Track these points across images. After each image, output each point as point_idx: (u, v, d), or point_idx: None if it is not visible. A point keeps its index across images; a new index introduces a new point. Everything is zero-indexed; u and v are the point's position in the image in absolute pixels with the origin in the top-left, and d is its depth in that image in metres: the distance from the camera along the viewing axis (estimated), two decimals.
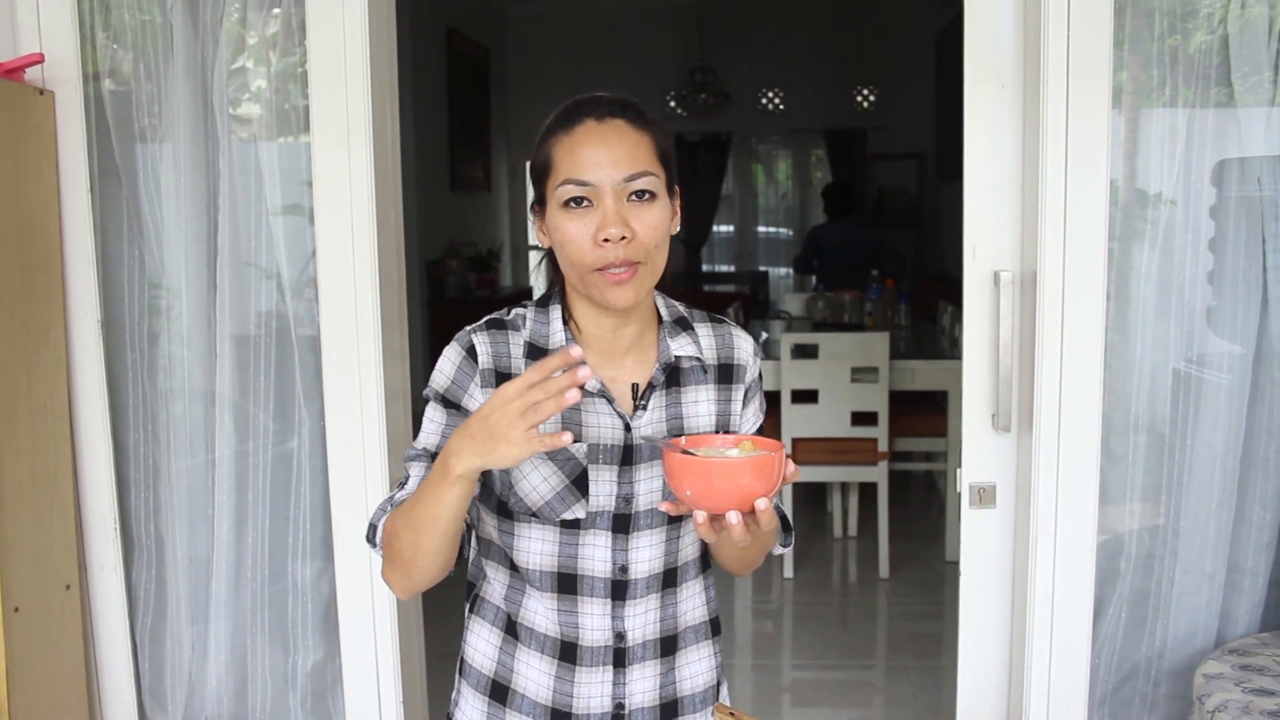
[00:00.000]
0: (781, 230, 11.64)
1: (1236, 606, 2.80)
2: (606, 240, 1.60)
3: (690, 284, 10.88)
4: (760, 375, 1.88)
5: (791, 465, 1.51)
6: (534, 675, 1.75)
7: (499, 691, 1.78)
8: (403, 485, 1.68)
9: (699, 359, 1.78)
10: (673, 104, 10.54)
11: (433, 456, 1.67)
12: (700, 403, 1.78)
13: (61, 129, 2.99)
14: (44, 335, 2.95)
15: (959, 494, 2.85)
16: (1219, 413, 2.77)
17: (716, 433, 1.77)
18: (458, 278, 8.87)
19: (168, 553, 3.18)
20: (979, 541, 2.86)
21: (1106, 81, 2.59)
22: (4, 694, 2.78)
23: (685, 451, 1.51)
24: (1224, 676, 2.36)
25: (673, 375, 1.77)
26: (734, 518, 1.45)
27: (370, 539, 1.67)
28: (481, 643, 1.81)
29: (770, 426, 1.93)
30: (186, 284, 3.11)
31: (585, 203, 1.62)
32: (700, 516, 1.47)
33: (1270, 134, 2.67)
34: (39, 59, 2.93)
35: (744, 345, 1.85)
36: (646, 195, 1.64)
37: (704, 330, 1.82)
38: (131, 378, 3.14)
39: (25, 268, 2.87)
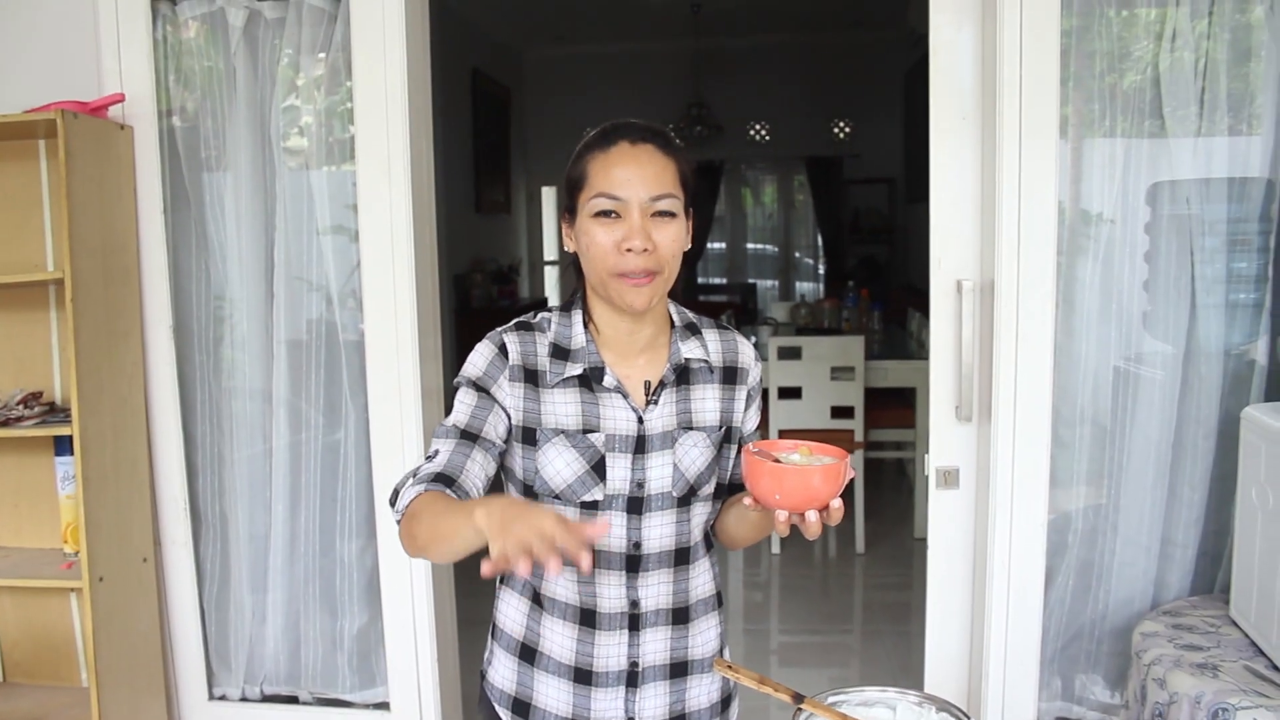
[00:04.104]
0: (768, 247, 11.62)
1: (1169, 574, 2.81)
2: (629, 250, 1.61)
3: (687, 294, 10.85)
4: (760, 380, 1.87)
5: (852, 470, 1.51)
6: (558, 639, 1.76)
7: (528, 653, 1.79)
8: (430, 459, 1.63)
9: (706, 361, 1.78)
10: (672, 134, 10.54)
11: (461, 433, 1.65)
12: (706, 400, 1.77)
13: (139, 159, 3.02)
14: (124, 340, 2.97)
15: (926, 477, 2.87)
16: (1154, 405, 2.78)
17: (720, 428, 1.77)
18: (482, 290, 8.87)
19: (231, 530, 3.21)
20: (944, 519, 2.89)
21: (1054, 114, 2.62)
22: (91, 651, 2.81)
23: (774, 459, 1.50)
24: (1159, 635, 2.38)
25: (682, 374, 1.76)
26: (813, 515, 1.45)
27: (392, 503, 1.62)
28: (511, 610, 1.82)
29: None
30: (246, 295, 3.14)
31: (614, 215, 1.63)
32: (781, 516, 1.47)
33: (1197, 160, 2.69)
34: (120, 98, 2.96)
35: (746, 351, 1.85)
36: (667, 214, 1.65)
37: (711, 336, 1.82)
38: (199, 377, 3.17)
39: (108, 281, 2.90)
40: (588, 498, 1.68)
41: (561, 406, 1.69)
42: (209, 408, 3.19)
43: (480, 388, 1.70)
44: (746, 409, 1.83)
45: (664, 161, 1.66)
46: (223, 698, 3.25)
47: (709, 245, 11.48)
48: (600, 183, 1.63)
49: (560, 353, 1.71)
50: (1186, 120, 2.67)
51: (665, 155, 1.67)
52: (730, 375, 1.80)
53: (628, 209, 1.62)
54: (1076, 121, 2.75)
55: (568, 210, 1.71)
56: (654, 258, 1.63)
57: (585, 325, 1.74)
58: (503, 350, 1.71)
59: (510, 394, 1.69)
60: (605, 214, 1.63)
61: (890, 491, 6.97)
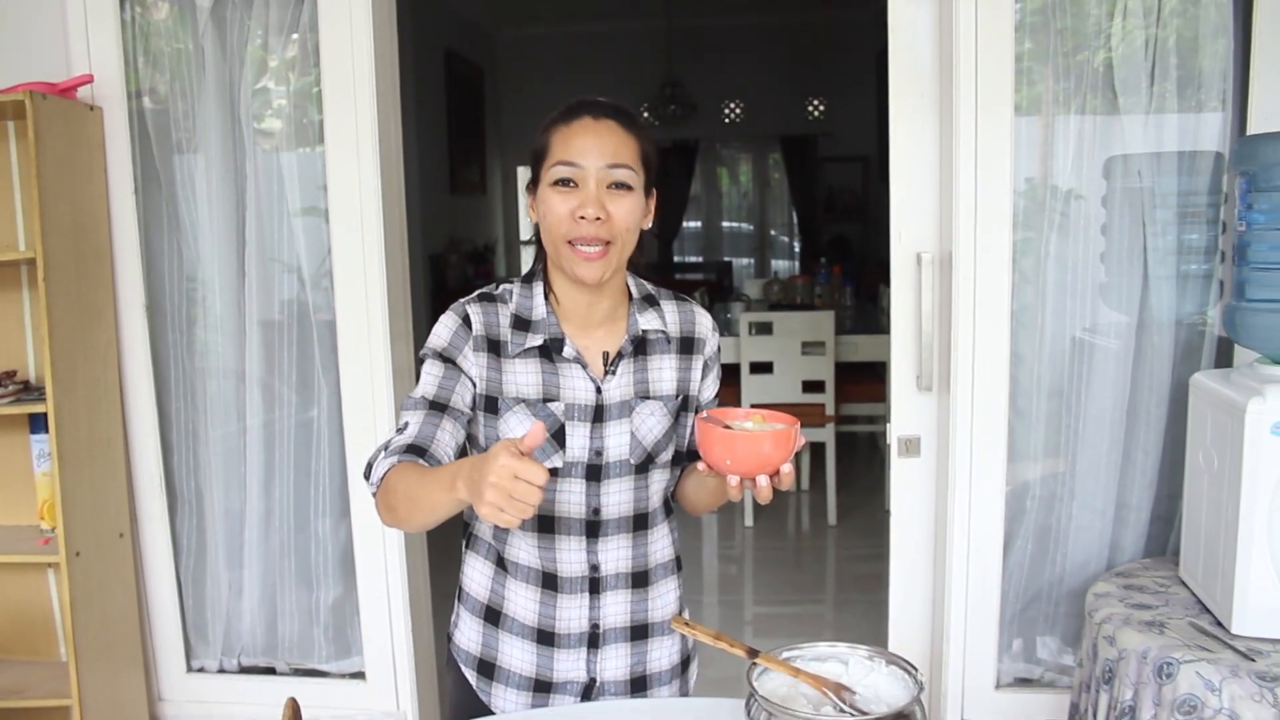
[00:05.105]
0: (743, 225, 11.65)
1: (1123, 537, 2.87)
2: (583, 218, 1.65)
3: (663, 273, 10.90)
4: (719, 349, 1.91)
5: (801, 438, 1.55)
6: (521, 602, 1.80)
7: (492, 615, 1.83)
8: (400, 431, 1.68)
9: (664, 331, 1.81)
10: (646, 114, 10.55)
11: (430, 403, 1.69)
12: (664, 370, 1.81)
13: (109, 140, 3.04)
14: (97, 319, 3.00)
15: (889, 445, 2.92)
16: (1109, 373, 2.84)
17: (677, 397, 1.81)
18: (457, 270, 8.88)
19: (206, 506, 3.25)
20: (906, 487, 2.95)
21: (1009, 91, 2.67)
22: (69, 626, 2.85)
23: (726, 426, 1.54)
24: (1110, 595, 2.44)
25: (640, 345, 1.80)
26: (763, 480, 1.49)
27: (366, 475, 1.67)
28: (476, 574, 1.86)
29: (731, 395, 1.94)
30: (219, 275, 3.16)
31: (571, 184, 1.66)
32: (733, 480, 1.51)
33: (1148, 135, 2.74)
34: (89, 79, 2.98)
35: (704, 321, 1.88)
36: (624, 187, 1.68)
37: (669, 307, 1.85)
38: (173, 355, 3.19)
39: (80, 260, 2.92)
40: (547, 465, 1.71)
41: (522, 376, 1.73)
42: (183, 386, 3.21)
43: (446, 358, 1.73)
44: (704, 378, 1.87)
45: (624, 137, 1.69)
46: (201, 670, 3.29)
47: (685, 224, 11.51)
48: (560, 152, 1.67)
49: (521, 324, 1.75)
50: (1139, 96, 2.72)
51: (626, 131, 1.70)
52: (687, 345, 1.84)
53: (585, 178, 1.66)
54: (1036, 97, 2.80)
55: (532, 183, 1.75)
56: (607, 227, 1.66)
57: (546, 297, 1.78)
58: (466, 321, 1.74)
59: (475, 363, 1.73)
60: (563, 182, 1.67)
61: (863, 464, 7.05)
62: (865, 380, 6.13)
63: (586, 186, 1.66)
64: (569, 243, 1.68)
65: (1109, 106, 2.76)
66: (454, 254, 8.91)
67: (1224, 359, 2.79)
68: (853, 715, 1.45)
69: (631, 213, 1.69)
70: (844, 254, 10.21)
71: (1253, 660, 2.04)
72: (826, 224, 11.07)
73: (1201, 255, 2.78)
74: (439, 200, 8.77)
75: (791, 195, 11.21)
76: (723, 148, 11.53)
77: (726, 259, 11.51)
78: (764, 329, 5.63)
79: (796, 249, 11.33)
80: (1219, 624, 2.22)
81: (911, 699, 1.47)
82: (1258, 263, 2.27)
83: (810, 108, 10.74)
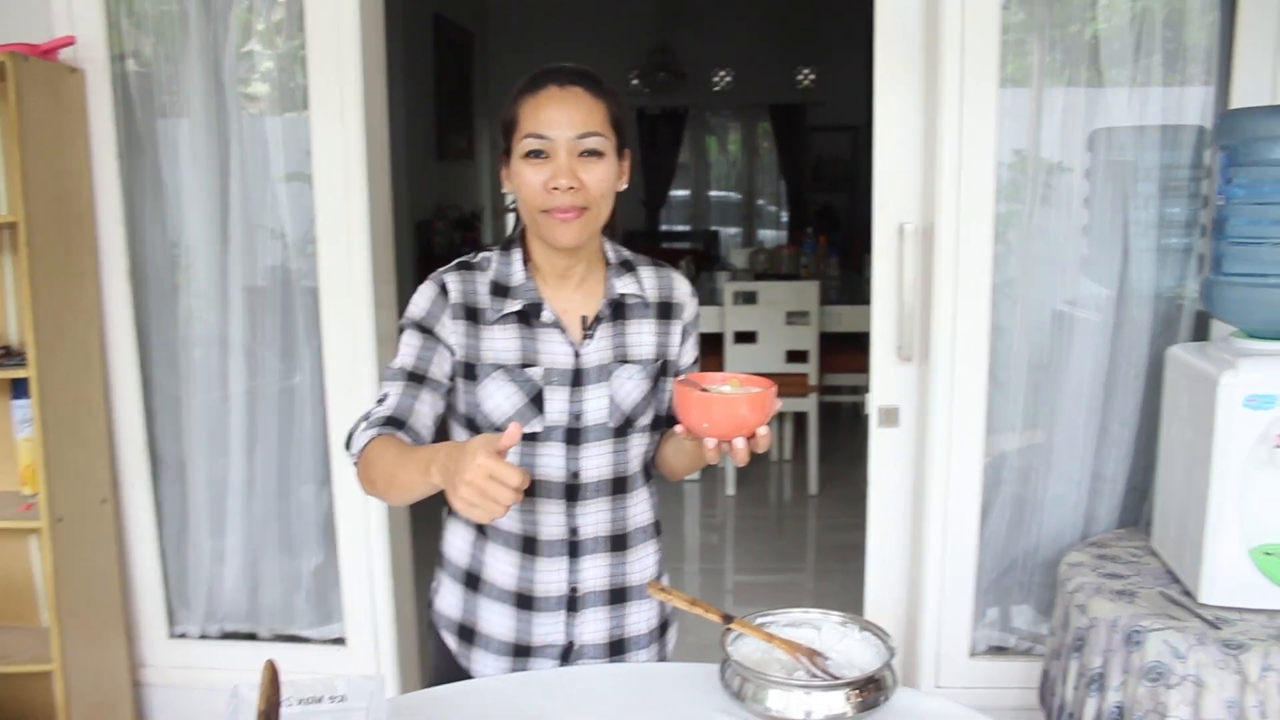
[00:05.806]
0: (731, 194, 11.64)
1: (1098, 508, 2.91)
2: (556, 189, 1.66)
3: (650, 241, 10.90)
4: (697, 315, 1.93)
5: (778, 401, 1.57)
6: (501, 566, 1.82)
7: (472, 580, 1.85)
8: (381, 402, 1.71)
9: (641, 296, 1.83)
10: (635, 81, 10.52)
11: (408, 375, 1.72)
12: (643, 334, 1.83)
13: (91, 104, 3.02)
14: (79, 283, 3.00)
15: (867, 415, 2.94)
16: (1088, 346, 2.87)
17: (656, 361, 1.83)
18: (444, 236, 8.84)
19: (189, 473, 3.25)
20: (885, 456, 2.97)
21: (994, 64, 2.68)
22: (51, 592, 2.86)
23: (703, 389, 1.56)
24: (1083, 564, 2.48)
25: (618, 310, 1.82)
26: (740, 443, 1.52)
27: (347, 446, 1.70)
28: (457, 539, 1.88)
29: (715, 364, 1.95)
30: (202, 241, 3.15)
31: (543, 155, 1.67)
32: (710, 443, 1.53)
33: (1132, 107, 2.76)
34: (70, 41, 2.96)
35: (682, 286, 1.90)
36: (595, 154, 1.69)
37: (647, 272, 1.87)
38: (156, 321, 3.19)
39: (62, 225, 2.92)
40: (527, 429, 1.74)
41: (501, 342, 1.75)
42: (166, 352, 3.21)
43: (424, 328, 1.75)
44: (683, 343, 1.89)
45: (592, 103, 1.70)
46: (183, 635, 3.31)
47: (673, 193, 11.50)
48: (529, 124, 1.68)
49: (500, 290, 1.77)
50: (1124, 69, 2.74)
51: (593, 97, 1.70)
52: (666, 310, 1.86)
53: (555, 149, 1.67)
54: (1023, 69, 2.81)
55: (504, 153, 1.76)
56: (581, 195, 1.67)
57: (525, 263, 1.79)
58: (443, 290, 1.76)
59: (453, 331, 1.75)
60: (534, 154, 1.68)
61: (845, 434, 7.06)
62: (849, 350, 6.13)
63: (558, 157, 1.67)
64: (544, 211, 1.69)
65: (1095, 79, 2.77)
66: (441, 220, 8.88)
67: (1202, 333, 2.81)
68: (825, 679, 1.48)
69: (605, 179, 1.71)
70: (831, 224, 10.21)
71: (1219, 629, 2.08)
72: (814, 194, 11.06)
73: (1182, 229, 2.80)
74: (426, 166, 8.73)
75: (780, 165, 11.20)
76: (712, 116, 11.50)
77: (714, 228, 11.50)
78: (748, 298, 5.64)
79: (784, 218, 11.33)
80: (1188, 593, 2.26)
81: (883, 664, 1.50)
82: (1235, 237, 2.29)
83: (800, 77, 10.71)
